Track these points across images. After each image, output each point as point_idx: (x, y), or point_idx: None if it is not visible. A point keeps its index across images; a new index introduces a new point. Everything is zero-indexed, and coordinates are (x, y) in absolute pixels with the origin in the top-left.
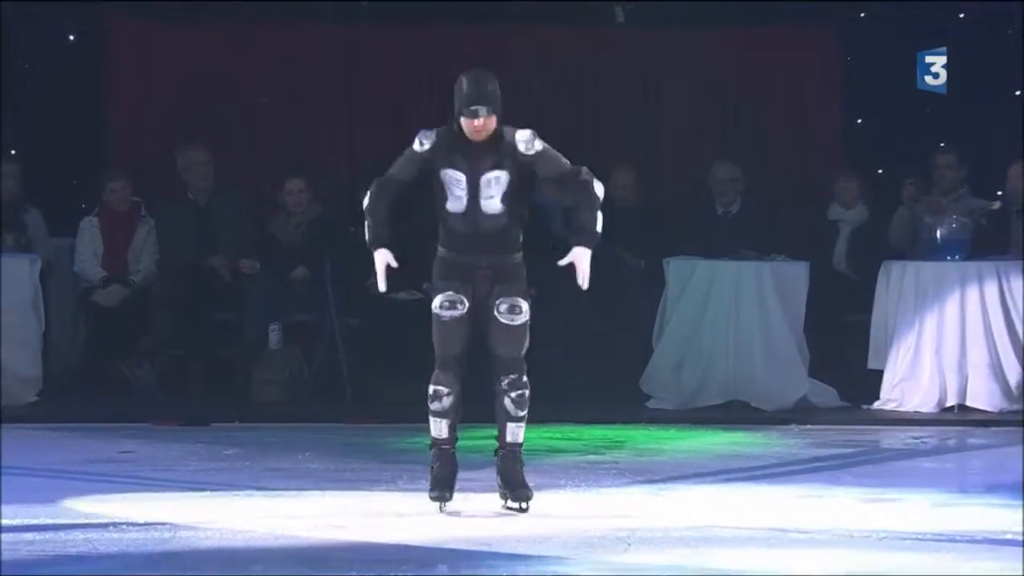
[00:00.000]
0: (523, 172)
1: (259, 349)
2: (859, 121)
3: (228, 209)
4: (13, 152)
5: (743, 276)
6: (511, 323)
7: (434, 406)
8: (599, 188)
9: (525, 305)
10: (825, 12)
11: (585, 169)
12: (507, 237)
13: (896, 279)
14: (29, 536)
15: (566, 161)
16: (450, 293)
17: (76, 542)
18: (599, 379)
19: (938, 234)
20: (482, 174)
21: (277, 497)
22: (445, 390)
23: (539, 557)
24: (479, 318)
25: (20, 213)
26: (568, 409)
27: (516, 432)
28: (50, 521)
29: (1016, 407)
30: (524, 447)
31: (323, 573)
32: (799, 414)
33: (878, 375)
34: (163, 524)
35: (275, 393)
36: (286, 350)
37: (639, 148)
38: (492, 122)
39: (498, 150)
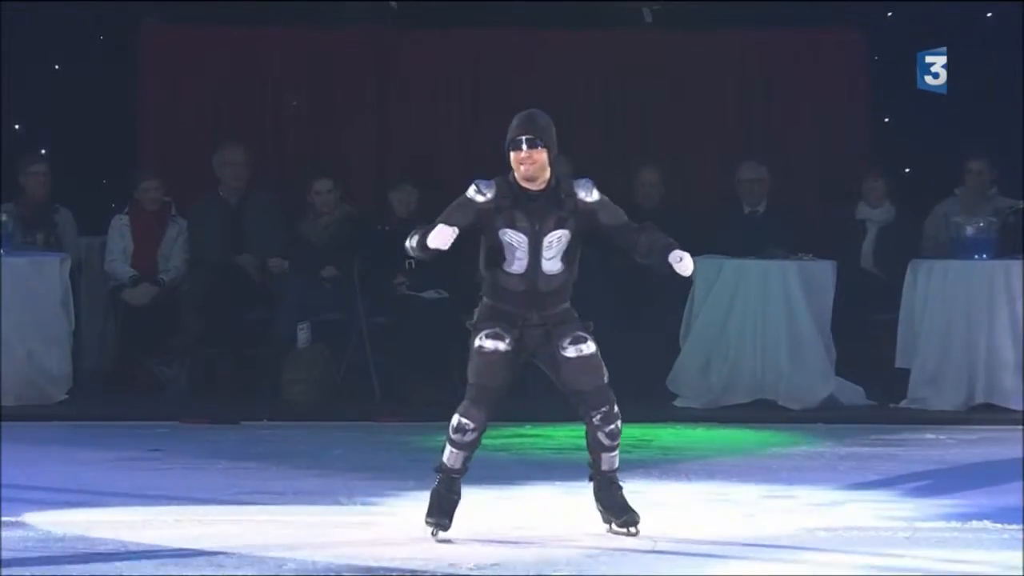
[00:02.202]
0: (582, 224)
1: (288, 348)
2: (886, 120)
3: (258, 209)
4: (43, 151)
5: (770, 275)
6: (581, 353)
7: (456, 437)
8: None
9: (588, 336)
10: (852, 12)
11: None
12: (562, 293)
13: (924, 278)
14: (60, 533)
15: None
16: (497, 329)
17: (106, 541)
18: (626, 378)
19: (967, 233)
20: (544, 234)
21: (306, 505)
22: (472, 425)
23: (565, 558)
24: (539, 359)
25: (50, 212)
26: None
27: (612, 461)
28: (78, 518)
29: None
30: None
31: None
32: (826, 413)
33: (905, 374)
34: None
35: (304, 392)
36: (315, 349)
37: (665, 148)
38: (542, 156)
39: (559, 205)
